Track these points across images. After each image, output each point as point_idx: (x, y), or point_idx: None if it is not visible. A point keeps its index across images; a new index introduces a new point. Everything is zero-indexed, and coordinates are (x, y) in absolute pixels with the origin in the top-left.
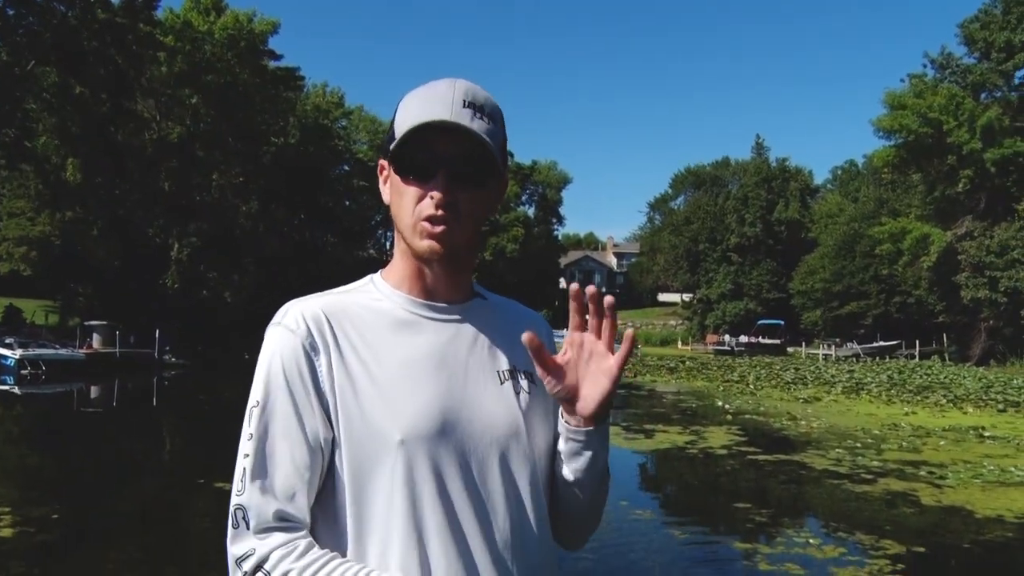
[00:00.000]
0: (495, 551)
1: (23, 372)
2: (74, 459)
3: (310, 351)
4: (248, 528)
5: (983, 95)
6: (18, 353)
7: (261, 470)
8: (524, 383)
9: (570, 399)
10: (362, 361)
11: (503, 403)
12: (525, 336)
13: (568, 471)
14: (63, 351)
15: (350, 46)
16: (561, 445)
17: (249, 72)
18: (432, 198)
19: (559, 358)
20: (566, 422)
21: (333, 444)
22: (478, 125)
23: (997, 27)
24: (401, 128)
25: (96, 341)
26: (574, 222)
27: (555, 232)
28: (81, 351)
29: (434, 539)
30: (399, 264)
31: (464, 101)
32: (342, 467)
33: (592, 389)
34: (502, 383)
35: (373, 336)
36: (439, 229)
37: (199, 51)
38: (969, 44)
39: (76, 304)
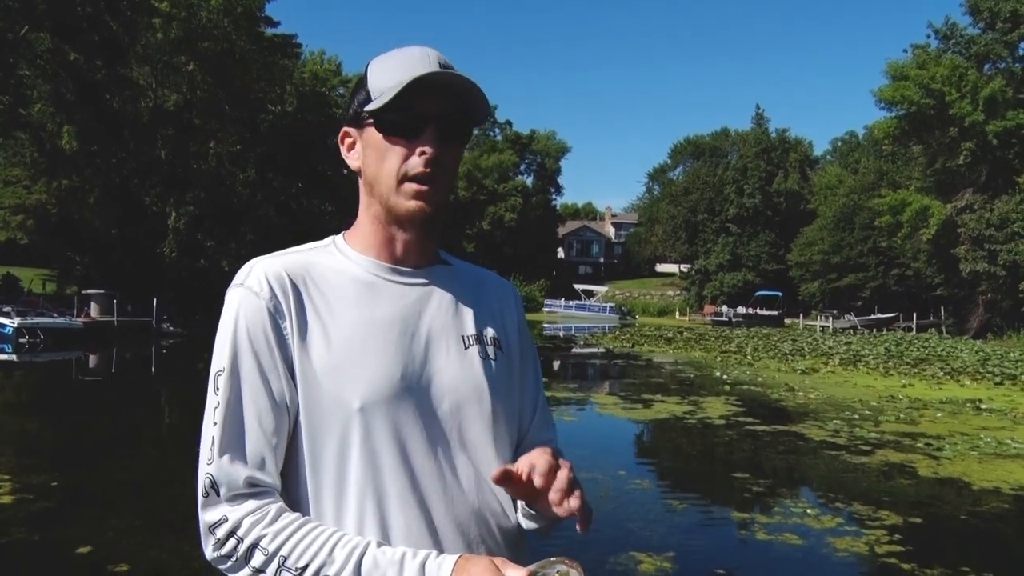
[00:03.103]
0: (458, 515)
1: (21, 341)
2: (73, 427)
3: (275, 314)
4: (219, 496)
5: (987, 66)
6: (16, 322)
7: (230, 437)
8: (490, 350)
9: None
10: (323, 325)
11: (465, 368)
12: (493, 475)
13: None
14: (61, 320)
15: (347, 14)
16: (520, 510)
17: (245, 39)
18: (422, 155)
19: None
20: (525, 507)
21: (299, 405)
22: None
23: None
24: (381, 89)
25: (94, 310)
26: (572, 192)
27: (553, 202)
28: (79, 320)
29: (394, 504)
30: (367, 229)
31: (440, 63)
32: (302, 432)
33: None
34: (466, 348)
35: (335, 299)
36: (426, 188)
37: (195, 17)
38: (974, 14)
39: (73, 272)
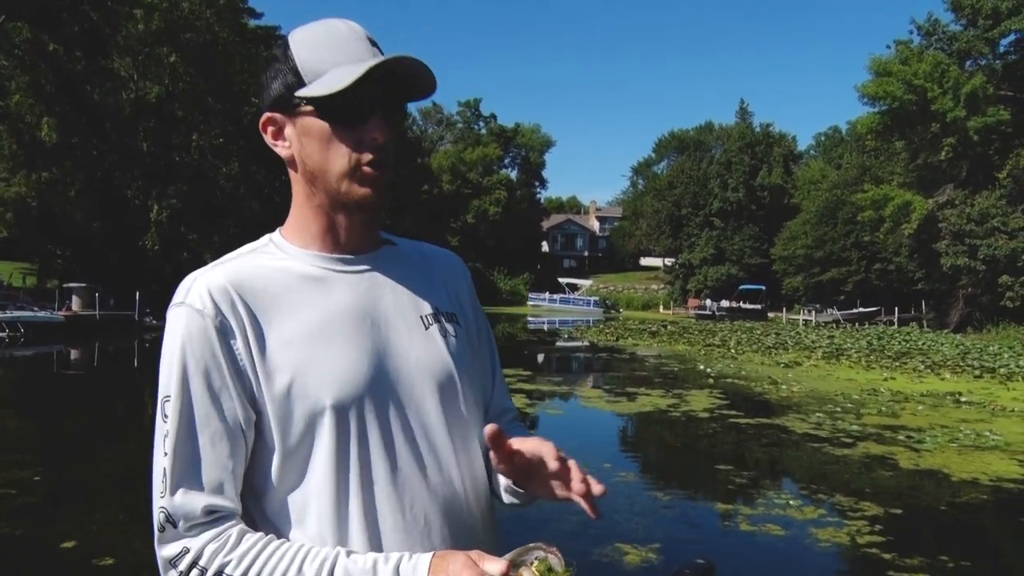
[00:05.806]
0: (448, 500)
1: (1, 335)
2: (55, 421)
3: (222, 332)
4: (176, 528)
5: (968, 63)
6: None
7: (183, 466)
8: (449, 326)
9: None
10: (279, 331)
11: (431, 348)
12: (486, 430)
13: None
14: (42, 313)
15: (330, 6)
16: (504, 486)
17: (228, 30)
18: (373, 142)
19: (520, 449)
20: (511, 484)
21: (257, 424)
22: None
23: None
24: (315, 71)
25: (75, 303)
26: (557, 185)
27: (538, 195)
28: (60, 313)
29: (382, 497)
30: (308, 221)
31: (368, 38)
32: (274, 444)
33: (542, 488)
34: (427, 328)
35: (287, 302)
36: (379, 174)
37: (177, 8)
38: (956, 10)
39: (54, 266)
